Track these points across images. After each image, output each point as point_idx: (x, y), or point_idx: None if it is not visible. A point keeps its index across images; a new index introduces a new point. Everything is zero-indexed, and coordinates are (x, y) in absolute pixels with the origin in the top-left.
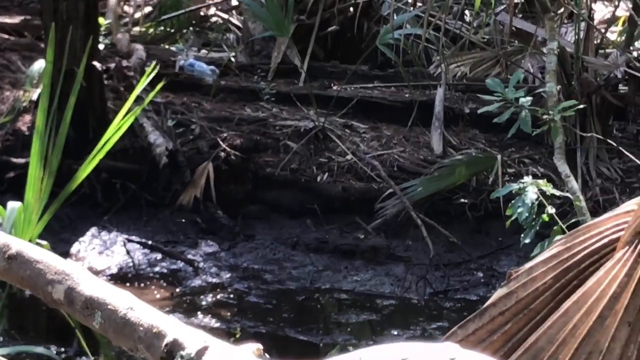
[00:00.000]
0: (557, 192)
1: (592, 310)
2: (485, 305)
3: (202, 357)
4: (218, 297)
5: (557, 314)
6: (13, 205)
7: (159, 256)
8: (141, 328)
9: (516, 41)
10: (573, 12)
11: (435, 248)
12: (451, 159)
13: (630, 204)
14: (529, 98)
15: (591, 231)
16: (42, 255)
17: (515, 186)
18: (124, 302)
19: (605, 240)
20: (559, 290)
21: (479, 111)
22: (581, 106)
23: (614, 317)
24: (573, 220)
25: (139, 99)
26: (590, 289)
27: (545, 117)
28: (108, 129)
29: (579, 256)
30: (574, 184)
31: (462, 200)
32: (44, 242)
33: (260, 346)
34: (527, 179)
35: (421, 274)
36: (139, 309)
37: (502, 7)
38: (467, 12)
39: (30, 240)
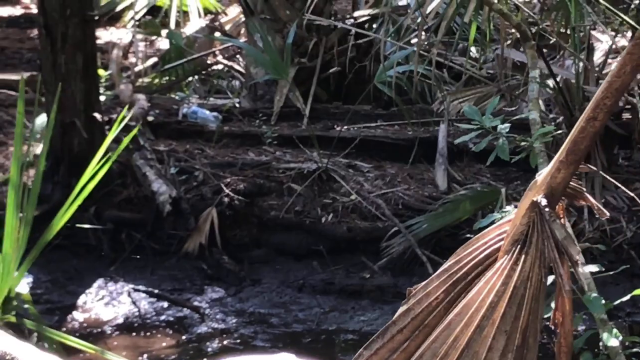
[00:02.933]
0: None
1: (472, 321)
2: (387, 324)
3: None
4: (224, 342)
5: (440, 326)
6: None
7: (165, 304)
8: None
9: (518, 75)
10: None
11: None
12: (455, 195)
13: (512, 213)
14: (507, 125)
15: (478, 242)
16: None
17: (497, 216)
18: None
19: (489, 250)
20: (450, 303)
21: (456, 141)
22: (559, 131)
23: (491, 327)
24: None
25: (141, 148)
26: (470, 300)
27: (523, 143)
28: (82, 176)
29: (465, 268)
30: None
31: (468, 235)
32: (25, 292)
33: None
34: (510, 207)
35: None
36: None
37: (507, 42)
38: (473, 48)
39: (9, 291)
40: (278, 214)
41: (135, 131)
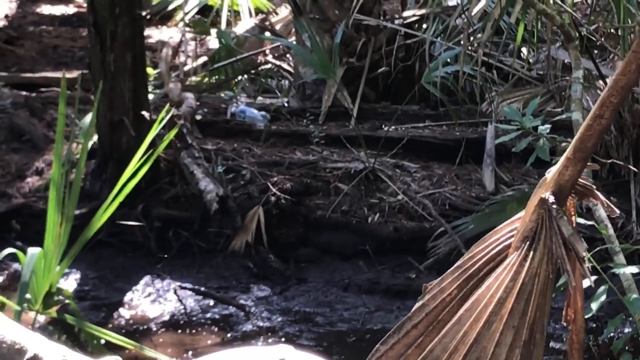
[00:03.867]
0: (582, 221)
1: (481, 316)
2: (403, 320)
3: None
4: (269, 341)
5: (451, 321)
6: (32, 251)
7: (210, 302)
8: (4, 345)
9: (568, 76)
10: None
11: None
12: (503, 196)
13: (523, 211)
14: (548, 126)
15: (491, 238)
16: None
17: None
18: None
19: (500, 247)
20: (463, 299)
21: (497, 141)
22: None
23: (499, 322)
24: (597, 248)
25: (189, 146)
26: (480, 296)
27: (563, 144)
28: (124, 172)
29: (478, 264)
30: (602, 212)
31: None
32: (65, 288)
33: None
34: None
35: None
36: (2, 326)
37: (558, 43)
38: (524, 49)
39: (50, 286)
40: (324, 214)
41: (176, 129)
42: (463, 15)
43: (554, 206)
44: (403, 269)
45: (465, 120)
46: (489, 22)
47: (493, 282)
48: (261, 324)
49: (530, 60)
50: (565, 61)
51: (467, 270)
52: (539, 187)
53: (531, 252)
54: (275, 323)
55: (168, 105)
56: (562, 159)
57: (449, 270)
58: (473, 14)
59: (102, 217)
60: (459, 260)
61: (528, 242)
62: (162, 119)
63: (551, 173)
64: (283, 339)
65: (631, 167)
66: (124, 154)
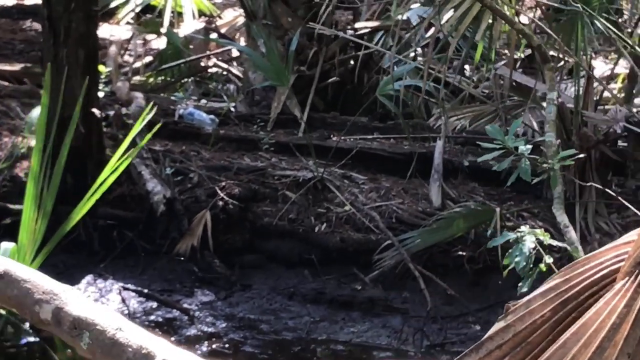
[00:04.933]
0: (555, 242)
1: (591, 341)
2: (482, 339)
3: None
4: (213, 346)
5: (555, 345)
6: (6, 246)
7: (154, 305)
8: (130, 349)
9: (516, 95)
10: (572, 68)
11: (432, 300)
12: (449, 212)
13: (630, 235)
14: (529, 146)
15: (590, 262)
16: (30, 275)
17: (512, 235)
18: (112, 322)
19: (605, 271)
20: (558, 322)
21: (479, 159)
22: (581, 155)
23: (613, 349)
24: None
25: (135, 145)
26: (589, 320)
27: (544, 165)
28: (102, 172)
29: (577, 288)
30: (573, 234)
31: (461, 252)
32: None
33: None
34: (525, 228)
35: (418, 326)
36: (128, 330)
37: (503, 62)
38: (467, 66)
39: None
40: (271, 221)
41: (154, 130)
42: (417, 31)
43: None
44: (348, 280)
45: (417, 135)
46: (455, 38)
47: (603, 307)
48: (205, 328)
49: (475, 78)
50: (512, 81)
51: (563, 294)
52: None
53: None
54: (220, 329)
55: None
56: None
57: (538, 292)
58: (438, 28)
59: (79, 213)
60: (549, 282)
61: None
62: (145, 117)
63: None
64: (227, 345)
65: (577, 181)
66: (72, 150)
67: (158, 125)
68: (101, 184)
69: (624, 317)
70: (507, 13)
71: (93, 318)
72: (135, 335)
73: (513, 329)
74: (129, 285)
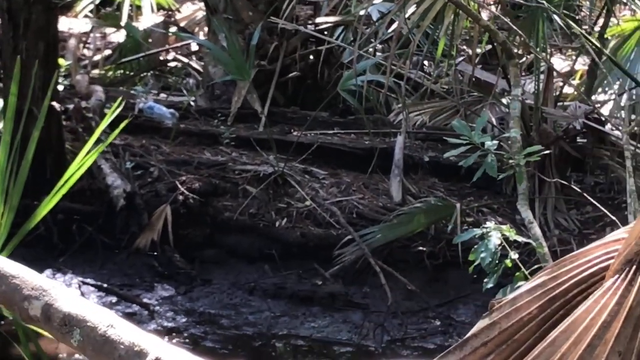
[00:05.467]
0: (520, 238)
1: (581, 339)
2: (466, 336)
3: None
4: (173, 341)
5: (543, 343)
6: None
7: (114, 299)
8: (122, 346)
9: (476, 91)
10: (532, 64)
11: (393, 296)
12: (410, 207)
13: (620, 232)
14: (495, 142)
15: (579, 260)
16: (19, 270)
17: (478, 231)
18: (104, 319)
19: (594, 268)
20: (545, 320)
21: (445, 155)
22: (546, 151)
23: (604, 347)
24: (535, 267)
25: (98, 140)
26: (578, 318)
27: (510, 161)
28: (68, 169)
29: (565, 285)
30: (537, 230)
31: (421, 248)
32: None
33: None
34: (491, 224)
35: (379, 322)
36: (120, 327)
37: (462, 58)
38: (427, 62)
39: None
40: (232, 215)
41: (121, 127)
42: (379, 27)
43: None
44: (309, 275)
45: (378, 130)
46: (418, 34)
47: (593, 305)
48: (165, 323)
49: (434, 74)
50: (473, 77)
51: (552, 291)
52: None
53: (639, 277)
54: (180, 323)
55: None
56: None
57: (524, 289)
58: (401, 23)
59: (44, 209)
60: (536, 279)
61: (635, 266)
62: (112, 113)
63: None
64: (187, 340)
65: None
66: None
67: (125, 122)
68: (68, 179)
69: (615, 315)
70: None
71: (84, 315)
72: (127, 333)
73: (499, 326)
74: (88, 280)
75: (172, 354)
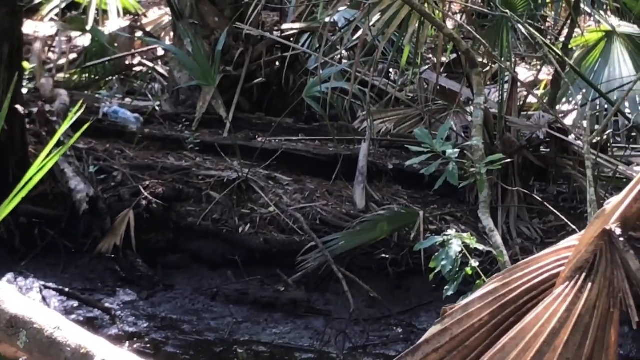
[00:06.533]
0: (481, 247)
1: (530, 346)
2: (418, 342)
3: None
4: (135, 346)
5: (493, 349)
6: None
7: (75, 304)
8: (68, 348)
9: (440, 100)
10: (497, 73)
11: (355, 303)
12: (373, 214)
13: (571, 240)
14: (457, 150)
15: (530, 267)
16: None
17: (439, 239)
18: (51, 321)
19: (545, 275)
20: (496, 326)
21: (407, 163)
22: (508, 160)
23: (552, 353)
24: None
25: (60, 143)
26: (528, 325)
27: (472, 170)
28: (28, 172)
29: (516, 292)
30: (498, 239)
31: (384, 255)
32: None
33: None
34: (452, 232)
35: (341, 329)
36: (67, 329)
37: (428, 66)
38: (392, 69)
39: None
40: (195, 221)
41: (83, 130)
42: (344, 34)
43: (621, 239)
44: (272, 281)
45: (342, 137)
46: (382, 42)
47: (543, 311)
48: (127, 328)
49: (399, 82)
50: (437, 85)
51: (502, 298)
52: (597, 219)
53: (589, 284)
54: (142, 329)
55: (80, 103)
56: (627, 192)
57: (476, 295)
58: (367, 31)
59: (3, 212)
60: (488, 286)
61: (584, 274)
62: (73, 116)
63: (611, 205)
64: (149, 345)
65: (502, 184)
66: None
67: (87, 125)
68: (27, 182)
69: (564, 321)
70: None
71: (30, 316)
72: (74, 335)
73: (450, 332)
74: (50, 284)
75: (118, 357)
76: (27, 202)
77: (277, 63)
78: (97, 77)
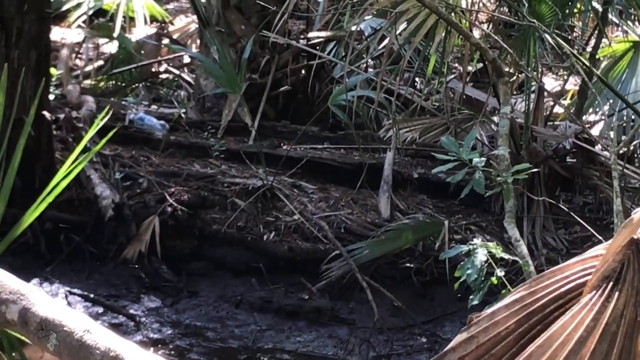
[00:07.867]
0: (506, 256)
1: (557, 354)
2: (444, 350)
3: None
4: (159, 353)
5: (519, 358)
6: None
7: (100, 310)
8: (98, 351)
9: (466, 109)
10: (523, 83)
11: (379, 312)
12: (398, 223)
13: (598, 249)
14: (483, 159)
15: (556, 276)
16: None
17: (464, 248)
18: (80, 324)
19: (571, 284)
20: (522, 335)
21: (434, 170)
22: (534, 169)
23: None
24: None
25: (86, 150)
26: (555, 333)
27: (498, 179)
28: (54, 178)
29: (543, 300)
30: (524, 249)
31: (408, 264)
32: None
33: None
34: (477, 241)
35: (364, 337)
36: (97, 332)
37: (454, 75)
38: (418, 78)
39: None
40: (220, 228)
41: (109, 136)
42: (371, 42)
43: None
44: (295, 289)
45: (367, 145)
46: (408, 51)
47: (569, 320)
48: (151, 335)
49: (424, 91)
50: (464, 94)
51: (529, 306)
52: (624, 228)
53: (616, 293)
54: (166, 335)
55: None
56: None
57: (502, 304)
58: (394, 40)
59: (29, 218)
60: (514, 294)
61: (612, 282)
62: (100, 122)
63: (639, 214)
64: (173, 352)
65: (527, 194)
66: (22, 153)
67: (113, 131)
68: (54, 188)
69: (591, 330)
70: (462, 27)
71: (60, 319)
72: (103, 338)
73: (476, 340)
74: (75, 290)
75: None
76: (53, 207)
77: (303, 71)
78: (123, 84)
